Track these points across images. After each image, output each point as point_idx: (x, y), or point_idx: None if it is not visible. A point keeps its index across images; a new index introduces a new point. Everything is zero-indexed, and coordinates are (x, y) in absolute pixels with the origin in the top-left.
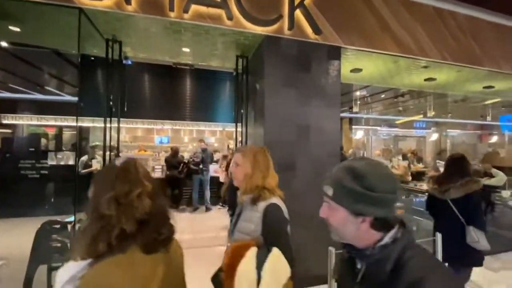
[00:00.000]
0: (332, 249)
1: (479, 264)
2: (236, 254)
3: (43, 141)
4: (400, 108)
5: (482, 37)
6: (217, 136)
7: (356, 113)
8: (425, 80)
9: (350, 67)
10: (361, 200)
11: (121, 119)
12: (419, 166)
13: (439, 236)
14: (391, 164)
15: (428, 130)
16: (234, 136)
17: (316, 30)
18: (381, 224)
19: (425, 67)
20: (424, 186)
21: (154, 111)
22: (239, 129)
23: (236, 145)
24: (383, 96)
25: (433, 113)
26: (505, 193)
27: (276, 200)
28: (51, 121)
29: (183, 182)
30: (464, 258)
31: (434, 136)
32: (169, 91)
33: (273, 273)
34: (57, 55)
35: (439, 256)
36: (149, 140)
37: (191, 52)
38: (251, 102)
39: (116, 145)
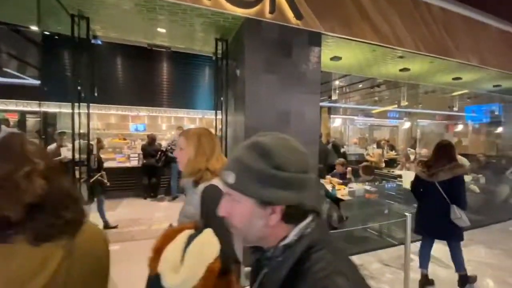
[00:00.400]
0: (408, 215)
1: (461, 238)
2: (167, 237)
3: (4, 128)
4: (376, 98)
5: (454, 30)
6: (197, 123)
7: (335, 102)
8: (400, 70)
9: (330, 54)
10: (271, 184)
11: (92, 104)
12: (392, 154)
13: (409, 216)
14: (367, 152)
15: (401, 120)
16: (214, 124)
17: (298, 15)
18: (294, 214)
19: (401, 57)
20: (396, 171)
21: (128, 97)
22: (219, 116)
23: (216, 133)
24: (360, 86)
25: (406, 103)
26: (467, 178)
27: (217, 181)
28: (12, 106)
29: (161, 170)
30: (447, 233)
31: (406, 125)
32: (145, 75)
33: (198, 253)
34: (16, 33)
35: (408, 231)
36: (124, 128)
37: (168, 33)
38: (231, 88)
39: (86, 132)
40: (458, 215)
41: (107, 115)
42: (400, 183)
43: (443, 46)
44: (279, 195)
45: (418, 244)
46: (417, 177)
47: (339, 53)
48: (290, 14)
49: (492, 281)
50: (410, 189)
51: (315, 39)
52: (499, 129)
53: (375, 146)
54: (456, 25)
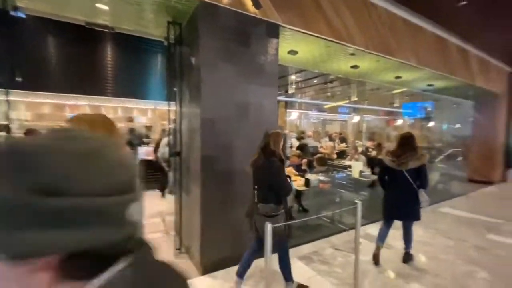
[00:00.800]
0: (269, 224)
1: (420, 218)
2: None
3: None
4: (329, 94)
5: (397, 31)
6: (149, 115)
7: (291, 96)
8: (351, 67)
9: (287, 48)
10: (30, 221)
11: (16, 91)
12: (343, 146)
13: (359, 203)
14: (320, 145)
15: (349, 115)
16: (168, 116)
17: (256, 4)
18: (84, 265)
19: (352, 54)
20: (346, 162)
21: (64, 83)
22: (173, 107)
23: (169, 125)
24: (315, 81)
25: (355, 99)
26: None
27: None
28: None
29: None
30: (414, 215)
31: (355, 119)
32: (85, 59)
33: None
34: None
35: (359, 217)
36: (61, 119)
37: (110, 11)
38: (186, 77)
39: (7, 124)
40: (426, 198)
41: (38, 104)
42: (350, 172)
43: (387, 46)
44: (46, 240)
45: (366, 228)
46: (385, 167)
47: (296, 47)
48: (248, 2)
49: (425, 256)
50: (378, 177)
51: (273, 31)
52: (430, 124)
53: (327, 139)
54: (399, 27)
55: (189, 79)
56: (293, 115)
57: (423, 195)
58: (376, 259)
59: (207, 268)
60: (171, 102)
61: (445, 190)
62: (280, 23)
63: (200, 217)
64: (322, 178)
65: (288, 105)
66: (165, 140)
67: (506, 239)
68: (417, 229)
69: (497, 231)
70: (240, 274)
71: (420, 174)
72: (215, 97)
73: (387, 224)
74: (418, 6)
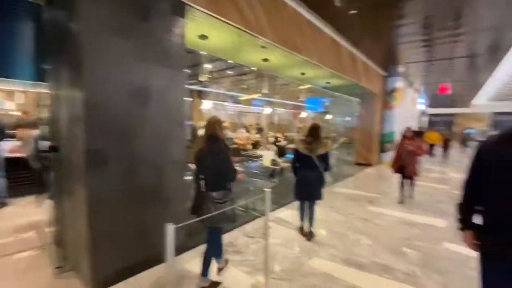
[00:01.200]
0: (170, 226)
1: (322, 198)
2: None
3: None
4: (245, 86)
5: (302, 30)
6: (21, 100)
7: (206, 86)
8: (263, 60)
9: (197, 31)
10: None
11: None
12: (257, 137)
13: (268, 191)
14: (236, 136)
15: (263, 107)
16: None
17: None
18: None
19: (263, 47)
20: (259, 151)
21: None
22: (46, 90)
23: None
24: (230, 72)
25: (267, 92)
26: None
27: None
28: None
29: None
30: (319, 195)
31: (267, 111)
32: None
33: None
34: None
35: (268, 204)
36: None
37: None
38: (64, 51)
39: None
40: (328, 180)
41: None
42: (262, 161)
43: (294, 43)
44: None
45: (277, 213)
46: (298, 153)
47: (207, 32)
48: None
49: (324, 232)
50: (291, 164)
51: (178, 9)
52: (327, 117)
53: (243, 130)
54: (304, 27)
55: (68, 54)
56: (209, 106)
57: (327, 177)
58: (305, 235)
59: (101, 284)
60: (44, 83)
61: (338, 172)
62: (185, 1)
63: (88, 224)
64: (237, 168)
65: (203, 95)
66: (35, 133)
67: (382, 209)
68: (315, 209)
69: (376, 204)
70: (204, 273)
71: (325, 159)
72: (103, 78)
73: (302, 204)
74: (320, 10)
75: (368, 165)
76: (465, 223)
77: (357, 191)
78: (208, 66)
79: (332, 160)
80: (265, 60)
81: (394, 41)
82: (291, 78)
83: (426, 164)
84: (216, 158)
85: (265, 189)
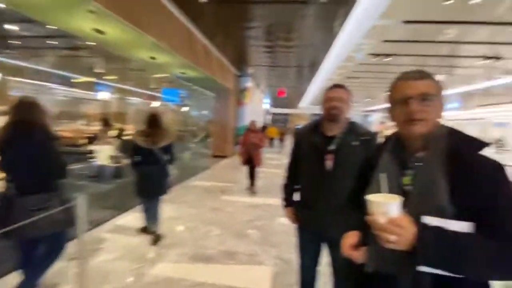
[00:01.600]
0: None
1: (167, 192)
2: None
3: None
4: (84, 66)
5: (149, 8)
6: None
7: (15, 58)
8: (95, 31)
9: None
10: None
11: None
12: (96, 129)
13: (80, 199)
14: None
15: (109, 94)
16: None
17: None
18: None
19: (92, 12)
20: (92, 147)
21: None
22: None
23: None
24: (54, 43)
25: (114, 77)
26: None
27: None
28: None
29: None
30: (164, 190)
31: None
32: None
33: None
34: None
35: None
36: None
37: None
38: None
39: None
40: (174, 173)
41: None
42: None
43: (137, 19)
44: None
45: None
46: (137, 147)
47: None
48: None
49: (174, 231)
50: (130, 159)
51: None
52: (185, 109)
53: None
54: (151, 5)
55: None
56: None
57: (172, 170)
58: (151, 237)
59: None
60: None
61: (195, 166)
62: None
63: None
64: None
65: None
66: None
67: (234, 197)
68: (165, 207)
69: (229, 192)
70: None
71: (169, 151)
72: None
73: (145, 203)
74: None
75: (224, 157)
76: (287, 200)
77: (212, 182)
78: (12, 27)
79: (188, 155)
80: (99, 31)
81: (245, 42)
82: (140, 60)
83: (267, 154)
84: (30, 148)
85: (79, 196)
